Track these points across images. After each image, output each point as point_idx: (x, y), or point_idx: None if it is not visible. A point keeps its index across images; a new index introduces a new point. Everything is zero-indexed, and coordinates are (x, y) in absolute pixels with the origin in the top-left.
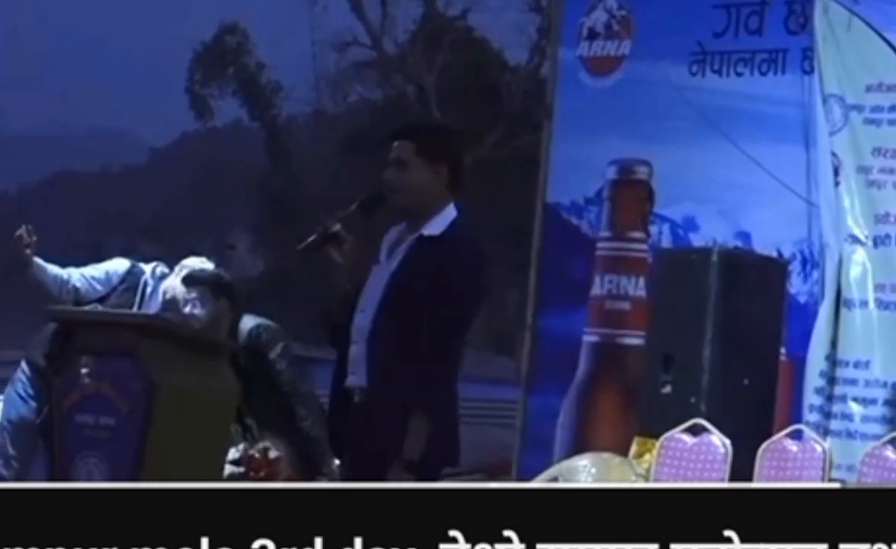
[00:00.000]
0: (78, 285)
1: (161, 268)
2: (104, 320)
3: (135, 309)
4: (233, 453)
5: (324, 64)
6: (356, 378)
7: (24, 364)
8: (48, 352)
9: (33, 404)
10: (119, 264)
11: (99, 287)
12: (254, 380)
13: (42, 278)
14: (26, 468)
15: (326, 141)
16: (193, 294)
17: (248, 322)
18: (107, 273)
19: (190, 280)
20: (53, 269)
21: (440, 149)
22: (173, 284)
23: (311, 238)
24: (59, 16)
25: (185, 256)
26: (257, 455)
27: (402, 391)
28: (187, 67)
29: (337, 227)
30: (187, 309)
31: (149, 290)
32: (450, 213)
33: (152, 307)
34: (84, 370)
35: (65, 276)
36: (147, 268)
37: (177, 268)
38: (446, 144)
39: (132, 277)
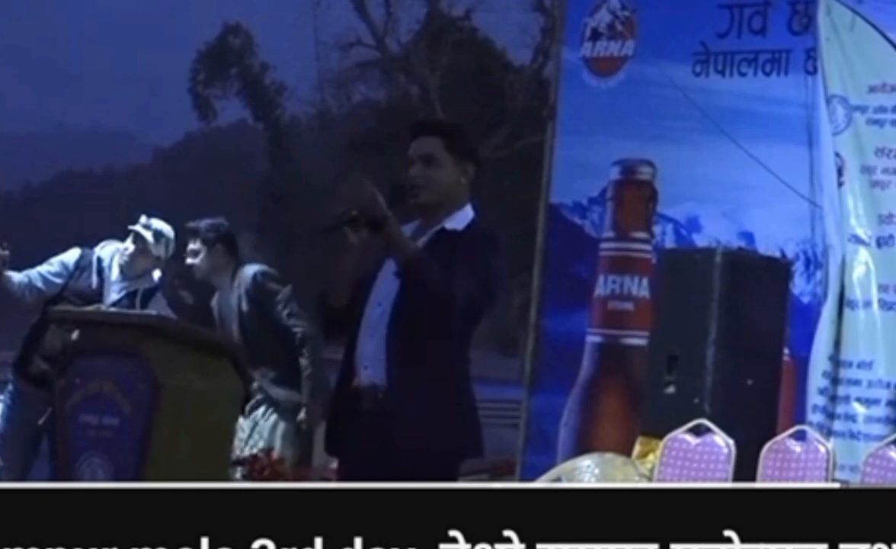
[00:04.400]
0: (39, 284)
1: (109, 245)
2: (107, 320)
3: (94, 286)
4: (236, 454)
5: (327, 64)
6: (370, 373)
7: (10, 374)
8: (21, 356)
9: (23, 412)
10: (71, 254)
11: (58, 280)
12: (257, 325)
13: (9, 287)
14: (22, 477)
15: (330, 141)
16: (195, 246)
17: (250, 269)
18: (62, 263)
19: (188, 232)
20: (17, 276)
21: (466, 147)
22: (124, 247)
23: (331, 219)
24: (61, 15)
25: (187, 255)
26: (261, 456)
27: (425, 386)
28: (191, 68)
29: (356, 211)
30: (188, 261)
31: (104, 264)
32: (468, 212)
33: (113, 281)
34: (88, 370)
35: (26, 280)
36: (96, 249)
37: (129, 237)
38: (472, 142)
39: (84, 259)
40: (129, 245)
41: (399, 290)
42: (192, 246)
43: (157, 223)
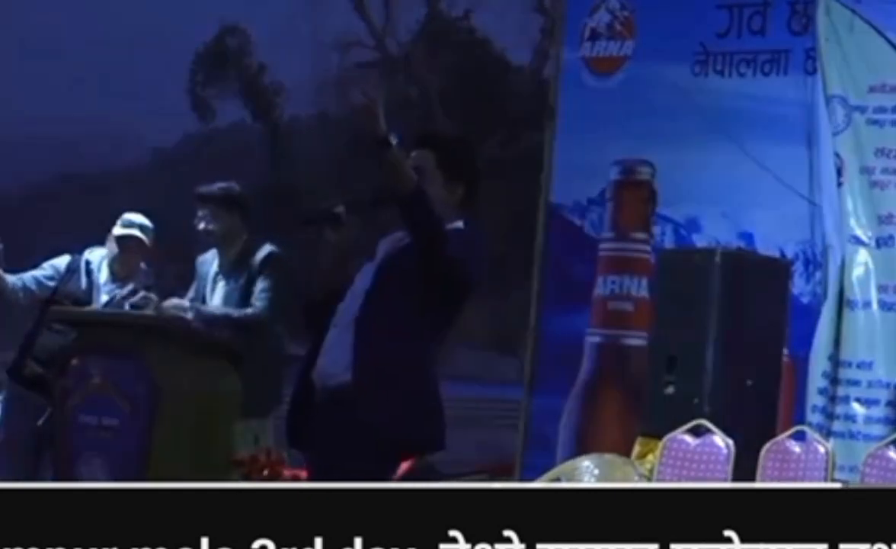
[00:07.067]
0: (32, 286)
1: (98, 249)
2: (107, 321)
3: (83, 288)
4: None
5: (326, 65)
6: (326, 361)
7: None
8: (16, 360)
9: (20, 417)
10: (61, 259)
11: (50, 283)
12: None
13: (3, 288)
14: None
15: (329, 142)
16: (206, 211)
17: (268, 247)
18: (53, 267)
19: (201, 197)
20: (10, 278)
21: (460, 166)
22: (109, 245)
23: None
24: (59, 15)
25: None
26: (261, 456)
27: (385, 375)
28: (189, 68)
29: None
30: (201, 226)
31: (93, 266)
32: (457, 226)
33: (102, 283)
34: (87, 371)
35: (19, 283)
36: (85, 252)
37: (113, 240)
38: (468, 161)
39: (73, 262)
40: (114, 248)
41: (370, 283)
42: (202, 212)
43: (137, 217)
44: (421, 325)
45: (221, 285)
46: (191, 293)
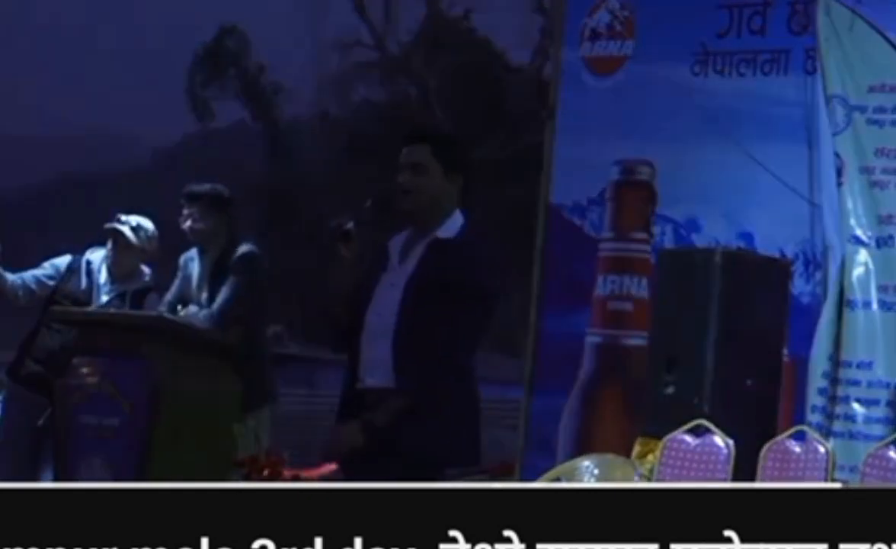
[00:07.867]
0: (32, 285)
1: (98, 250)
2: (107, 321)
3: (83, 288)
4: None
5: (326, 65)
6: (375, 380)
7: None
8: (15, 360)
9: (18, 416)
10: (62, 259)
11: (50, 282)
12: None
13: (2, 286)
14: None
15: (329, 142)
16: (193, 209)
17: (246, 246)
18: (53, 266)
19: (190, 196)
20: (9, 276)
21: (456, 156)
22: (107, 249)
23: (325, 235)
24: (57, 15)
25: (183, 219)
26: (260, 456)
27: (433, 389)
28: (188, 69)
29: (350, 224)
30: (187, 224)
31: (94, 267)
32: (458, 218)
33: (102, 284)
34: (87, 371)
35: (19, 281)
36: (87, 253)
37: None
38: (463, 153)
39: (74, 262)
40: (109, 245)
41: (402, 298)
42: (189, 210)
43: (135, 218)
44: (453, 334)
45: (206, 286)
46: (170, 295)
